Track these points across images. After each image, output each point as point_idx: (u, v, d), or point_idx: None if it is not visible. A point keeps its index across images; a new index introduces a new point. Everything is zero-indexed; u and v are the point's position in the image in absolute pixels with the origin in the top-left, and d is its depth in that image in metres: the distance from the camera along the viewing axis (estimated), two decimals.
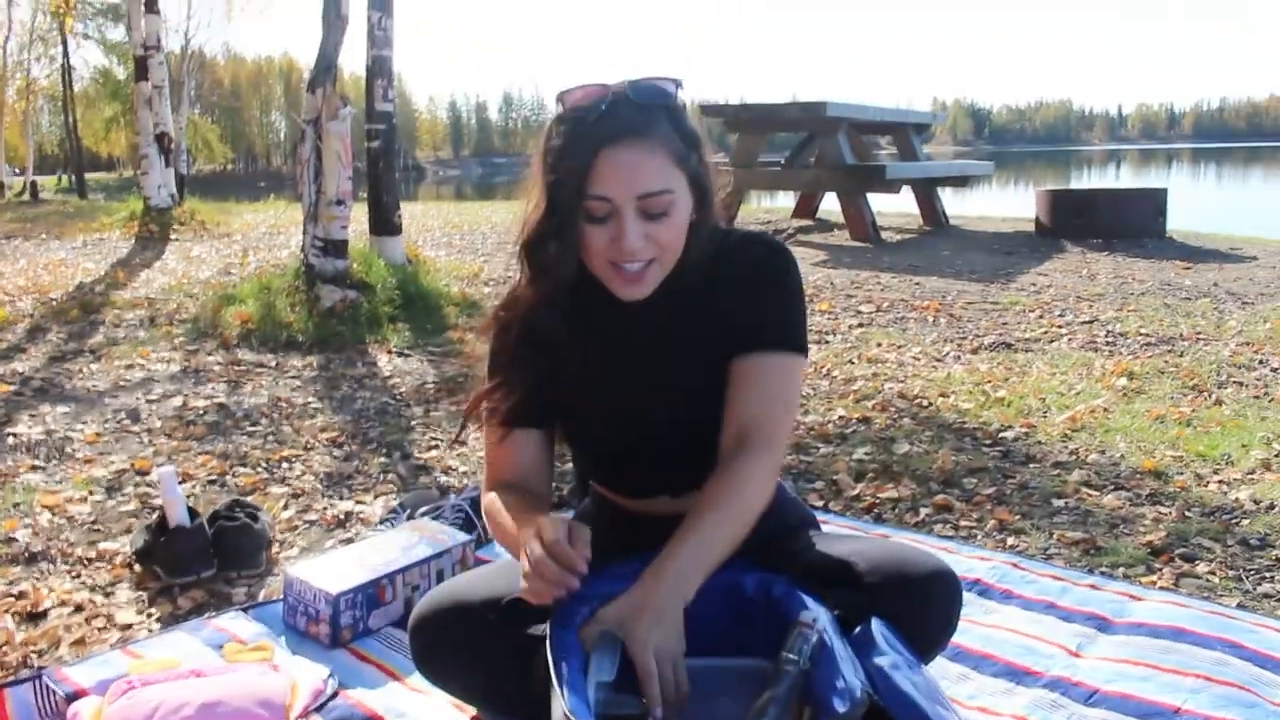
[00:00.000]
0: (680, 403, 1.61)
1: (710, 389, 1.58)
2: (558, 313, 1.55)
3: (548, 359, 1.59)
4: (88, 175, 29.17)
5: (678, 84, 1.47)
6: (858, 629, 1.37)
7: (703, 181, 1.49)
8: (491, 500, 1.59)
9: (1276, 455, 3.11)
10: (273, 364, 4.67)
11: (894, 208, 11.96)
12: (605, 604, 1.38)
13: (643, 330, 1.59)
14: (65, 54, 25.99)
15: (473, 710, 1.73)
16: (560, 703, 1.19)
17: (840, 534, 1.83)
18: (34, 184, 23.01)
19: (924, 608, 1.49)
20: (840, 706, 1.19)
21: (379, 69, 6.58)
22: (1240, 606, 2.15)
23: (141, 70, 11.37)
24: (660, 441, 1.63)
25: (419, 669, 1.65)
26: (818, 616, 1.32)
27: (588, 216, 1.42)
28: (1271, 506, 2.70)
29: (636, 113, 1.41)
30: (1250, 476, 2.94)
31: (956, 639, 1.92)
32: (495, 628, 1.51)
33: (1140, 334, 5.04)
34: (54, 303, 6.22)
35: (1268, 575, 2.31)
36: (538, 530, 1.35)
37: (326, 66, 5.62)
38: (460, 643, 1.54)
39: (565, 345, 1.58)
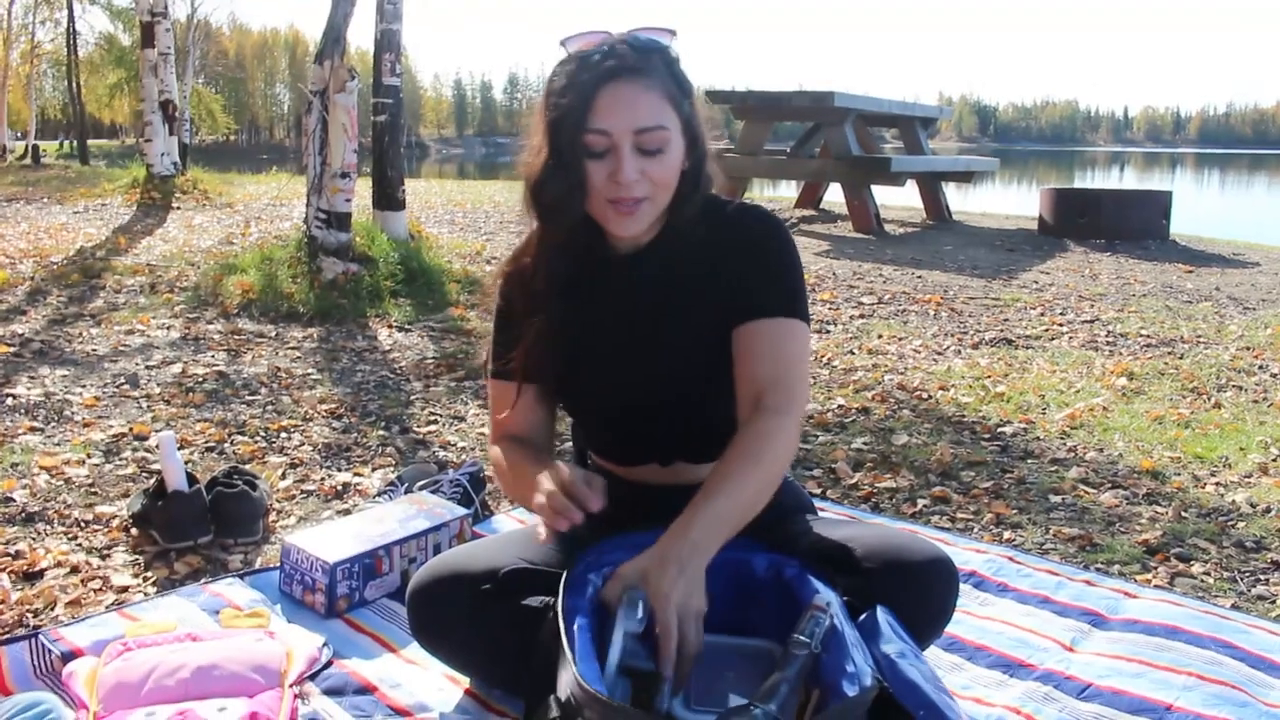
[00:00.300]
0: (672, 367, 1.63)
1: (702, 355, 1.60)
2: (570, 256, 1.60)
3: (552, 315, 1.62)
4: (90, 141, 29.00)
5: (672, 33, 1.54)
6: (863, 616, 1.37)
7: (694, 128, 1.53)
8: (499, 452, 1.65)
9: (1274, 460, 3.12)
10: (273, 334, 4.67)
11: (898, 201, 11.96)
12: (614, 571, 1.39)
13: (639, 293, 1.62)
14: (70, 18, 25.85)
15: (466, 682, 1.74)
16: (571, 668, 1.19)
17: (838, 520, 1.83)
18: (35, 148, 22.90)
19: (921, 594, 1.50)
20: (850, 690, 1.19)
21: (387, 43, 6.55)
22: (1234, 607, 2.15)
23: (147, 36, 11.31)
24: (651, 406, 1.65)
25: (415, 637, 1.66)
26: (830, 600, 1.32)
27: (587, 152, 1.47)
28: (1268, 510, 2.71)
29: (634, 55, 1.47)
30: (1247, 480, 2.95)
31: (952, 629, 1.93)
32: (493, 598, 1.52)
33: (1141, 335, 5.04)
34: (54, 266, 6.21)
35: (1262, 577, 2.32)
36: (554, 470, 1.43)
37: (335, 38, 5.59)
38: (458, 612, 1.55)
39: (566, 303, 1.62)
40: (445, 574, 1.58)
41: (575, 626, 1.28)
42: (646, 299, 1.62)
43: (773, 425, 1.48)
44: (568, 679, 1.20)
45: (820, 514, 1.82)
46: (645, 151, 1.46)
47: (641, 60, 1.47)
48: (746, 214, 1.63)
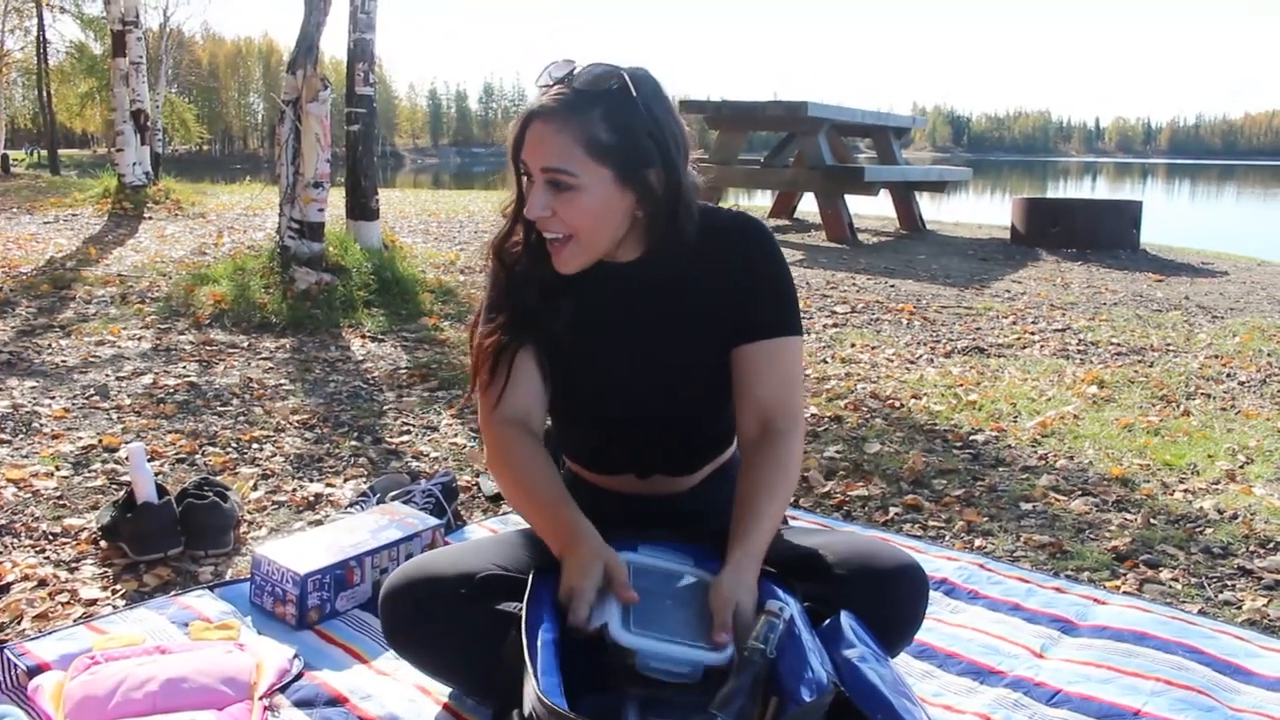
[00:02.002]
0: (658, 378, 1.64)
1: (695, 370, 1.63)
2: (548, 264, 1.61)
3: (546, 314, 1.65)
4: (60, 151, 28.77)
5: (625, 77, 1.49)
6: (827, 621, 1.38)
7: (642, 177, 1.52)
8: (499, 442, 1.63)
9: (1241, 466, 3.15)
10: (245, 345, 4.64)
11: (871, 210, 12.02)
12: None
13: (633, 304, 1.64)
14: (40, 26, 25.68)
15: (437, 690, 1.73)
16: (532, 682, 1.19)
17: (809, 528, 1.84)
18: (5, 157, 22.69)
19: (891, 601, 1.50)
20: (807, 696, 1.20)
21: (360, 52, 6.54)
22: (1201, 613, 2.17)
23: (119, 45, 11.22)
24: (640, 417, 1.66)
25: (387, 640, 1.65)
26: (785, 606, 1.33)
27: (521, 179, 1.55)
28: (1235, 516, 2.74)
29: (570, 95, 1.48)
30: (1215, 486, 2.98)
31: (922, 637, 1.94)
32: (467, 603, 1.52)
33: (1111, 343, 5.08)
34: (24, 277, 6.15)
35: (1229, 583, 2.34)
36: (571, 588, 1.40)
37: (308, 47, 5.58)
38: (431, 616, 1.55)
39: (560, 309, 1.64)
40: (419, 578, 1.58)
41: (539, 640, 1.29)
42: (647, 311, 1.64)
43: (786, 449, 1.58)
44: (530, 693, 1.20)
45: (792, 523, 1.83)
46: (557, 187, 1.50)
47: (574, 102, 1.48)
48: (738, 226, 1.65)
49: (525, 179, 1.55)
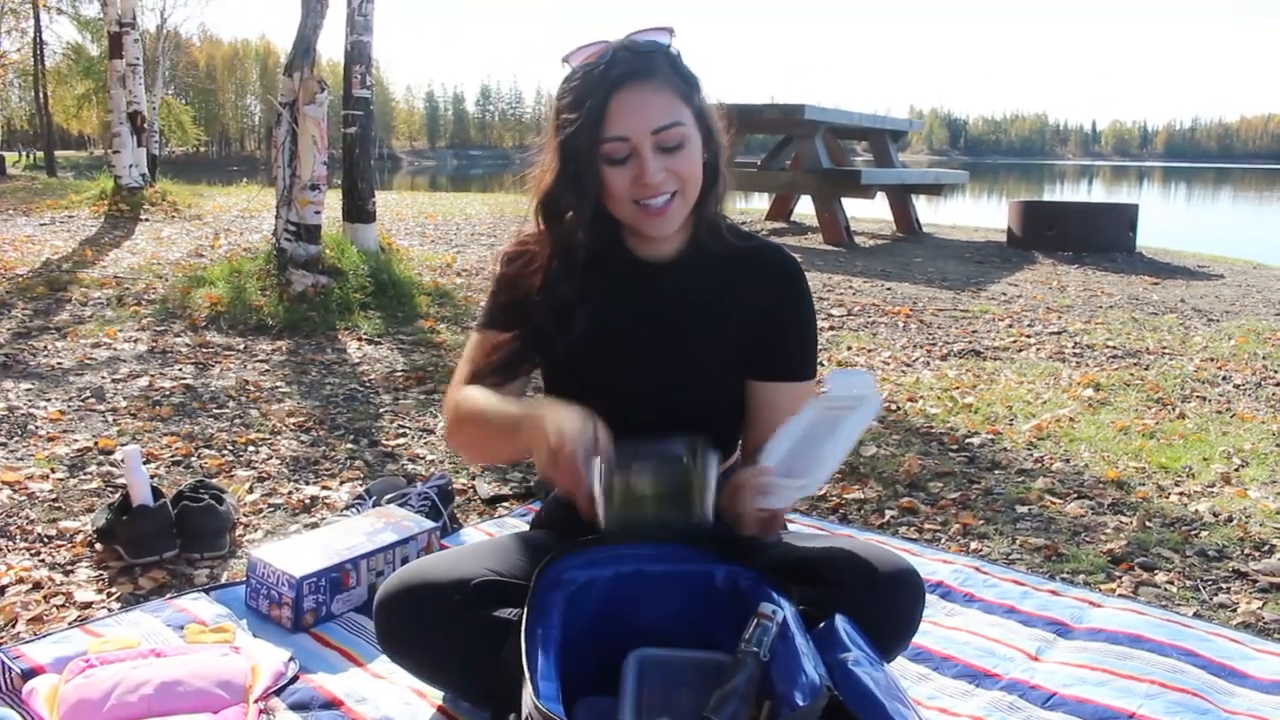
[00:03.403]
0: (680, 383, 1.66)
1: (703, 379, 1.66)
2: (573, 283, 1.62)
3: (573, 315, 1.66)
4: (57, 153, 28.75)
5: (670, 31, 1.57)
6: (821, 625, 1.38)
7: (707, 119, 1.58)
8: (463, 394, 1.66)
9: (1236, 469, 3.15)
10: (241, 347, 4.64)
11: (868, 213, 12.04)
12: (578, 590, 1.41)
13: (661, 304, 1.67)
14: (37, 28, 25.65)
15: (432, 694, 1.73)
16: (529, 689, 1.19)
17: (806, 532, 1.84)
18: (1, 159, 22.67)
19: (887, 606, 1.50)
20: (800, 700, 1.20)
21: (357, 54, 6.54)
22: (1196, 616, 2.18)
23: (116, 47, 11.22)
24: (648, 418, 1.64)
25: (381, 646, 1.64)
26: (778, 609, 1.33)
27: (607, 160, 1.51)
28: (1230, 519, 2.74)
29: (637, 59, 1.50)
30: (1210, 489, 2.98)
31: (918, 640, 1.94)
32: (462, 609, 1.51)
33: (1107, 346, 5.09)
34: (19, 279, 6.14)
35: (1224, 586, 2.35)
36: (562, 433, 1.40)
37: (305, 49, 5.58)
38: (425, 622, 1.54)
39: (581, 299, 1.65)
40: (414, 583, 1.57)
41: (537, 645, 1.29)
42: (667, 312, 1.67)
43: None
44: (527, 699, 1.21)
45: (789, 526, 1.83)
46: (665, 149, 1.50)
47: (645, 62, 1.50)
48: (774, 257, 1.68)
49: (603, 162, 1.52)
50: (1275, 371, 4.56)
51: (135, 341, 4.67)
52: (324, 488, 2.87)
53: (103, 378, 4.01)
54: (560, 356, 1.70)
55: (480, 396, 1.64)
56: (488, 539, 1.83)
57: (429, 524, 2.26)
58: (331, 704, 1.72)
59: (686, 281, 1.66)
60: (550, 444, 1.39)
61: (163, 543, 2.33)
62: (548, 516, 1.85)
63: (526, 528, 1.96)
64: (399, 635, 1.59)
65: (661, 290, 1.67)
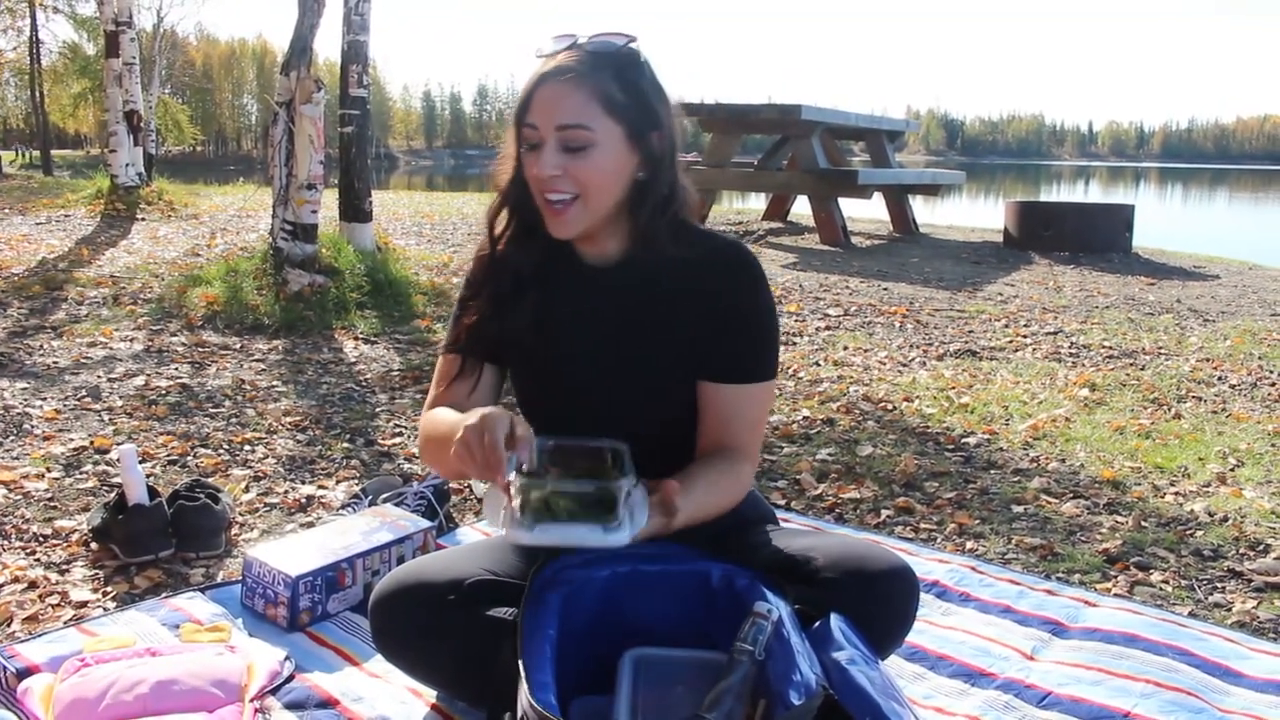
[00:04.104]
0: (624, 384, 1.65)
1: (647, 385, 1.64)
2: (528, 253, 1.66)
3: (516, 309, 1.68)
4: (53, 152, 28.72)
5: (630, 39, 1.55)
6: (816, 624, 1.38)
7: (648, 139, 1.56)
8: (429, 416, 1.69)
9: (1232, 469, 3.16)
10: (237, 346, 4.63)
11: (865, 213, 12.05)
12: (575, 590, 1.41)
13: (608, 309, 1.65)
14: (33, 27, 25.62)
15: (428, 694, 1.73)
16: (525, 687, 1.19)
17: (799, 530, 1.84)
18: None
19: (882, 604, 1.50)
20: (795, 699, 1.20)
21: (354, 54, 6.54)
22: (1192, 615, 2.18)
23: (112, 46, 11.21)
24: (599, 419, 1.65)
25: (377, 647, 1.64)
26: (774, 608, 1.33)
27: (524, 143, 1.55)
28: (1225, 519, 2.74)
29: (579, 56, 1.52)
30: (1205, 489, 2.99)
31: (914, 639, 1.94)
32: (456, 609, 1.51)
33: (1103, 346, 5.10)
34: (15, 278, 6.14)
35: (1219, 585, 2.35)
36: (482, 417, 1.38)
37: (302, 49, 5.57)
38: (420, 622, 1.54)
39: (533, 302, 1.67)
40: (408, 584, 1.57)
41: (533, 644, 1.29)
42: (609, 314, 1.65)
43: (739, 468, 1.64)
44: (523, 698, 1.21)
45: (783, 524, 1.83)
46: (568, 149, 1.50)
47: (580, 61, 1.51)
48: (729, 256, 1.64)
49: (524, 146, 1.56)
50: (1271, 372, 4.57)
51: (131, 341, 4.66)
52: (320, 487, 2.87)
53: (99, 377, 4.00)
54: (514, 358, 1.73)
55: (443, 415, 1.64)
56: (483, 539, 1.84)
57: (425, 523, 2.26)
58: (327, 703, 1.72)
59: (630, 285, 1.64)
60: (468, 429, 1.36)
61: (158, 542, 2.33)
62: None
63: None
64: (394, 635, 1.59)
65: (604, 293, 1.66)
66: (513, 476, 1.37)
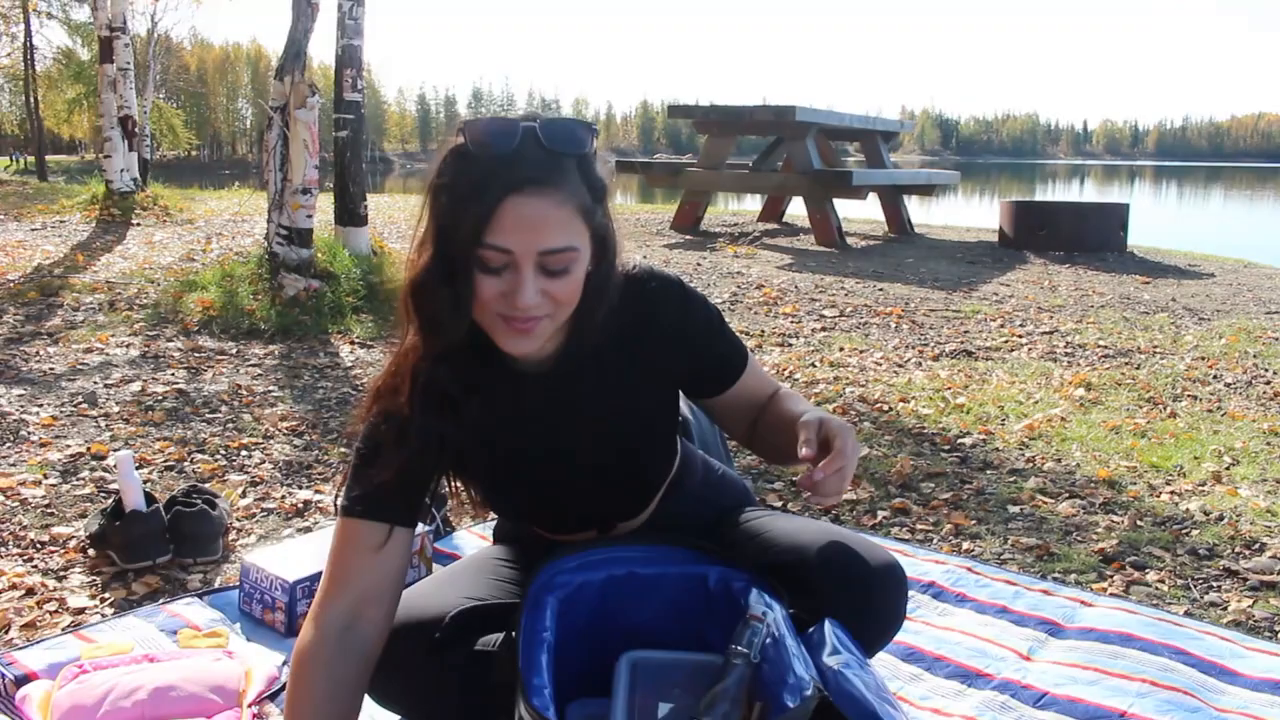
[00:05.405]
0: (606, 465, 1.56)
1: (637, 431, 1.57)
2: (450, 371, 1.40)
3: (440, 427, 1.43)
4: (48, 157, 28.71)
5: (593, 131, 1.33)
6: (811, 630, 1.38)
7: (605, 235, 1.36)
8: (301, 655, 1.37)
9: (1227, 468, 3.17)
10: (234, 351, 4.63)
11: (860, 214, 12.06)
12: (571, 593, 1.40)
13: (556, 410, 1.51)
14: (28, 33, 25.59)
15: None
16: (521, 694, 1.20)
17: (784, 514, 1.81)
18: None
19: (870, 600, 1.50)
20: (791, 702, 1.20)
21: (348, 58, 6.54)
22: (1187, 614, 2.19)
23: (106, 52, 11.21)
24: (582, 496, 1.59)
25: (371, 697, 1.49)
26: (768, 610, 1.33)
27: (481, 265, 1.27)
28: (1220, 518, 2.75)
29: (546, 159, 1.27)
30: (1201, 488, 2.99)
31: (911, 640, 1.95)
32: (445, 645, 1.46)
33: (1099, 346, 5.11)
34: (11, 284, 6.14)
35: (1214, 585, 2.36)
36: None
37: (296, 53, 5.58)
38: (407, 666, 1.46)
39: (463, 412, 1.44)
40: (395, 627, 1.46)
41: (530, 648, 1.29)
42: (573, 409, 1.52)
43: (788, 390, 1.61)
44: (520, 702, 1.21)
45: (766, 507, 1.81)
46: (549, 272, 1.29)
47: (553, 166, 1.27)
48: (657, 291, 1.49)
49: (478, 268, 1.28)
50: (1266, 370, 4.58)
51: (127, 346, 4.66)
52: (317, 492, 2.87)
53: (95, 383, 4.00)
54: (465, 472, 1.56)
55: (308, 695, 1.35)
56: (468, 559, 1.79)
57: (422, 527, 2.26)
58: None
59: (574, 379, 1.48)
60: None
61: (156, 548, 2.33)
62: (504, 532, 1.83)
63: None
64: (388, 686, 1.49)
65: (552, 399, 1.49)
66: None
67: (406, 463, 1.40)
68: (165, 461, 3.09)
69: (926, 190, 12.09)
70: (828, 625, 1.36)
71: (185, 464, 3.08)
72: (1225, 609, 2.23)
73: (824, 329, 5.47)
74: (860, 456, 3.22)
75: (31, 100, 27.35)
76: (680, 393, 1.63)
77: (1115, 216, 9.55)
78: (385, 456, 1.41)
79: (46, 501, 2.74)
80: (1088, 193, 40.17)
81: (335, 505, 1.45)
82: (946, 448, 3.37)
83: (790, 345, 5.02)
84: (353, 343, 4.91)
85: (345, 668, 1.36)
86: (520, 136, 1.26)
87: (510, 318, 1.31)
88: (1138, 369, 4.59)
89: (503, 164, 1.25)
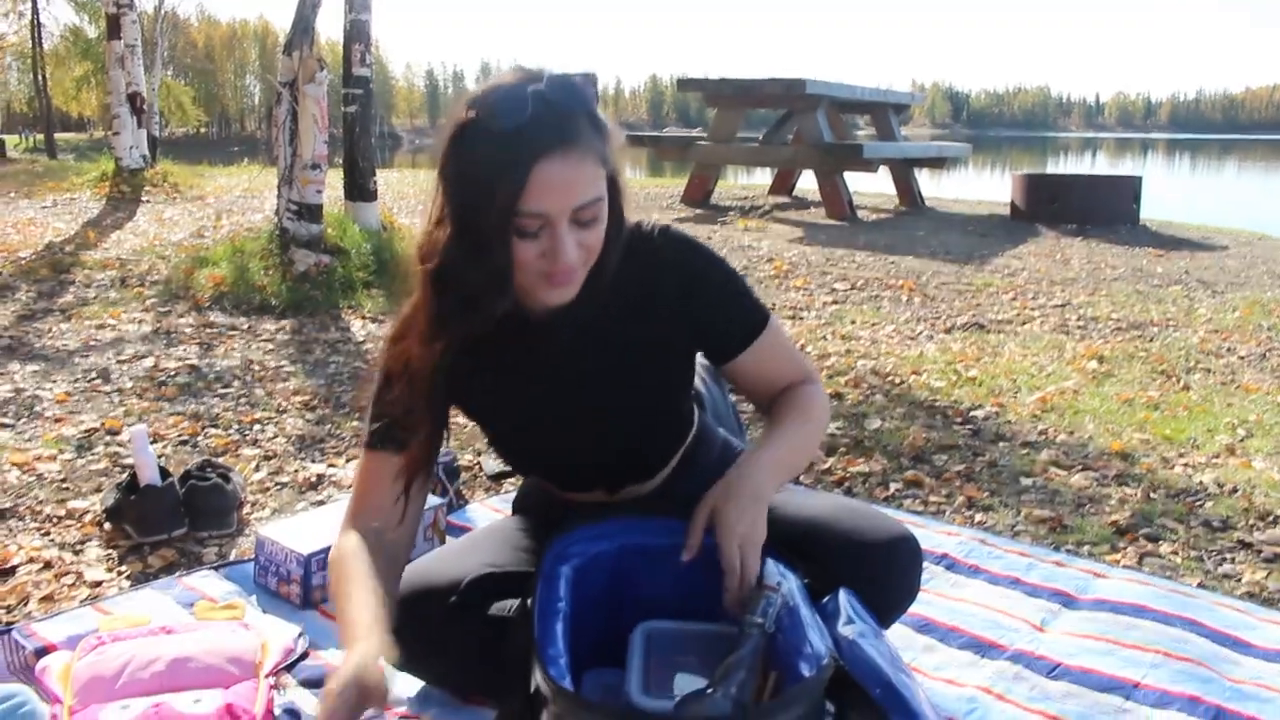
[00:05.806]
0: (621, 418, 1.58)
1: (650, 395, 1.58)
2: (470, 323, 1.43)
3: (467, 385, 1.52)
4: (57, 135, 28.70)
5: (591, 79, 1.36)
6: (825, 599, 1.38)
7: (616, 172, 1.40)
8: (339, 551, 1.45)
9: (1240, 440, 3.16)
10: (245, 327, 4.64)
11: (871, 187, 12.00)
12: (585, 563, 1.40)
13: (573, 356, 1.54)
14: (34, 10, 25.52)
15: None
16: (538, 662, 1.20)
17: (794, 486, 1.81)
18: (1, 142, 22.61)
19: (884, 572, 1.51)
20: (806, 671, 1.20)
21: (357, 33, 6.52)
22: (1201, 586, 2.19)
23: (114, 28, 11.18)
24: (599, 455, 1.61)
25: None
26: (783, 580, 1.33)
27: (518, 231, 1.31)
28: (1234, 490, 2.74)
29: (561, 120, 1.29)
30: (1214, 460, 2.99)
31: (924, 611, 1.95)
32: (462, 610, 1.49)
33: (1111, 319, 5.09)
34: (23, 262, 6.15)
35: (1228, 556, 2.35)
36: (342, 676, 1.19)
37: (304, 28, 5.56)
38: (428, 630, 1.49)
39: (482, 370, 1.51)
40: (410, 592, 1.51)
41: (545, 618, 1.30)
42: (582, 362, 1.54)
43: (809, 390, 1.59)
44: (536, 671, 1.21)
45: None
46: (581, 224, 1.33)
47: (569, 126, 1.29)
48: (668, 248, 1.52)
49: (515, 234, 1.31)
50: (1279, 343, 4.56)
51: (139, 322, 4.68)
52: (330, 465, 2.88)
53: (108, 359, 4.02)
54: (477, 416, 1.60)
55: (350, 574, 1.39)
56: (484, 528, 1.81)
57: (435, 500, 2.27)
58: None
59: (592, 324, 1.50)
60: (333, 695, 1.17)
61: (171, 521, 2.34)
62: (523, 502, 1.85)
63: None
64: (404, 649, 1.46)
65: (570, 345, 1.52)
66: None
67: (420, 398, 1.48)
68: (179, 436, 3.11)
69: (937, 163, 12.03)
70: (843, 595, 1.36)
71: (199, 439, 3.10)
72: (1239, 581, 2.23)
73: (835, 302, 5.46)
74: (873, 429, 3.22)
75: (40, 78, 27.30)
76: (696, 363, 1.63)
77: (1127, 189, 9.49)
78: (398, 392, 1.50)
79: (62, 476, 2.75)
80: (1100, 165, 39.94)
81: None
82: (959, 420, 3.36)
83: (802, 318, 5.01)
84: (364, 317, 4.91)
85: (379, 561, 1.42)
86: (532, 104, 1.28)
87: (551, 274, 1.35)
88: (1151, 342, 4.58)
89: (522, 133, 1.27)
